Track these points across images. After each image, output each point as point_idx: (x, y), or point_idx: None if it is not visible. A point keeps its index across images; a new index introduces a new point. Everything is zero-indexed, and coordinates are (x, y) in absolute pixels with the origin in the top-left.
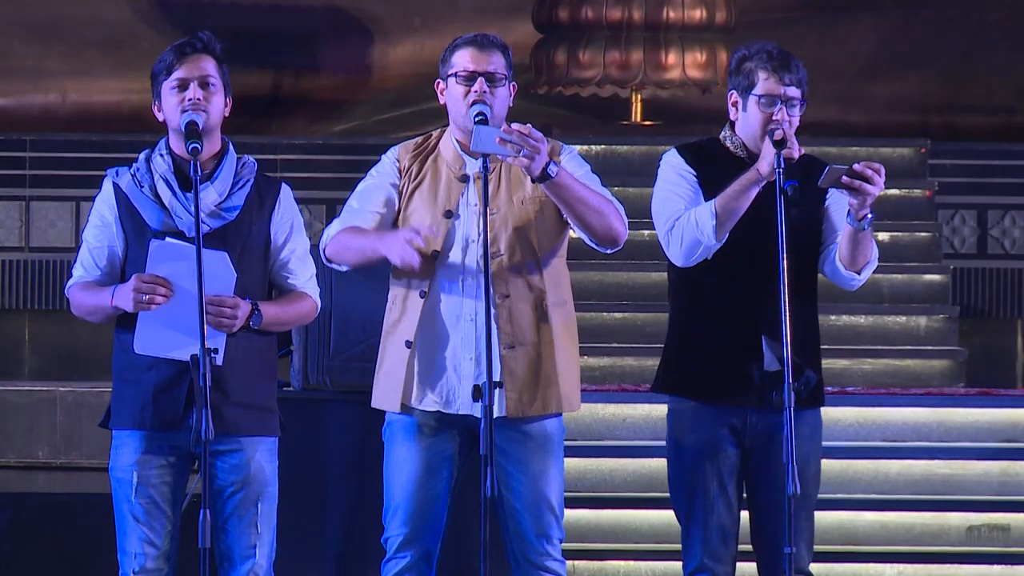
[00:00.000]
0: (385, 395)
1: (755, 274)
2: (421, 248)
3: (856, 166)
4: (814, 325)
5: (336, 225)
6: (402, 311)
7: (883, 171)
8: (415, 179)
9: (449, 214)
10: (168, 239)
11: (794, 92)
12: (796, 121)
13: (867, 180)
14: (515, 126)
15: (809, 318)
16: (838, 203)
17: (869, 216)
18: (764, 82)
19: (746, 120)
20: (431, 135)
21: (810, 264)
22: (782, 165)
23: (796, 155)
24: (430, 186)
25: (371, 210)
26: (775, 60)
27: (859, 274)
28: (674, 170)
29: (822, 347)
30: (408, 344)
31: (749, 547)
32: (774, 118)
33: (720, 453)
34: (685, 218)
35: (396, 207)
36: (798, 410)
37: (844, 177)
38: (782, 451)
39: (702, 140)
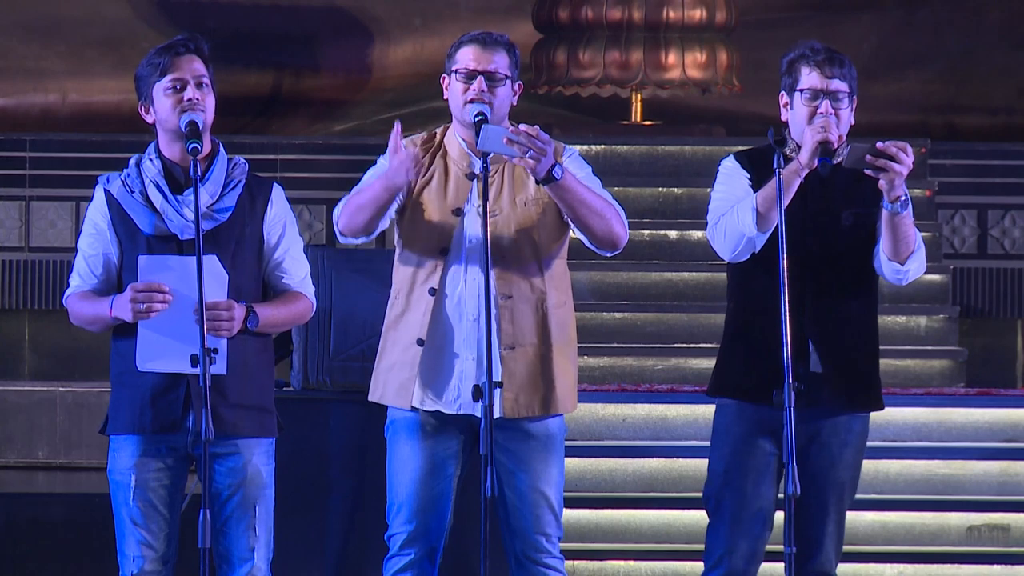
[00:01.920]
0: (391, 391)
1: (804, 276)
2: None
3: (879, 144)
4: (871, 329)
5: (343, 201)
6: (406, 306)
7: (909, 149)
8: (424, 175)
9: (458, 212)
10: (154, 255)
11: (838, 85)
12: (845, 115)
13: (892, 158)
14: (523, 127)
15: (864, 321)
16: None
17: (903, 198)
18: (807, 77)
19: (794, 117)
20: (435, 132)
21: (866, 267)
22: (782, 165)
23: (834, 139)
24: (439, 183)
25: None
26: (818, 55)
27: (903, 265)
28: (729, 174)
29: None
30: (420, 342)
31: (773, 547)
32: (819, 112)
33: (757, 451)
34: (730, 213)
35: (405, 191)
36: (849, 413)
37: (868, 156)
38: (823, 452)
39: (759, 146)
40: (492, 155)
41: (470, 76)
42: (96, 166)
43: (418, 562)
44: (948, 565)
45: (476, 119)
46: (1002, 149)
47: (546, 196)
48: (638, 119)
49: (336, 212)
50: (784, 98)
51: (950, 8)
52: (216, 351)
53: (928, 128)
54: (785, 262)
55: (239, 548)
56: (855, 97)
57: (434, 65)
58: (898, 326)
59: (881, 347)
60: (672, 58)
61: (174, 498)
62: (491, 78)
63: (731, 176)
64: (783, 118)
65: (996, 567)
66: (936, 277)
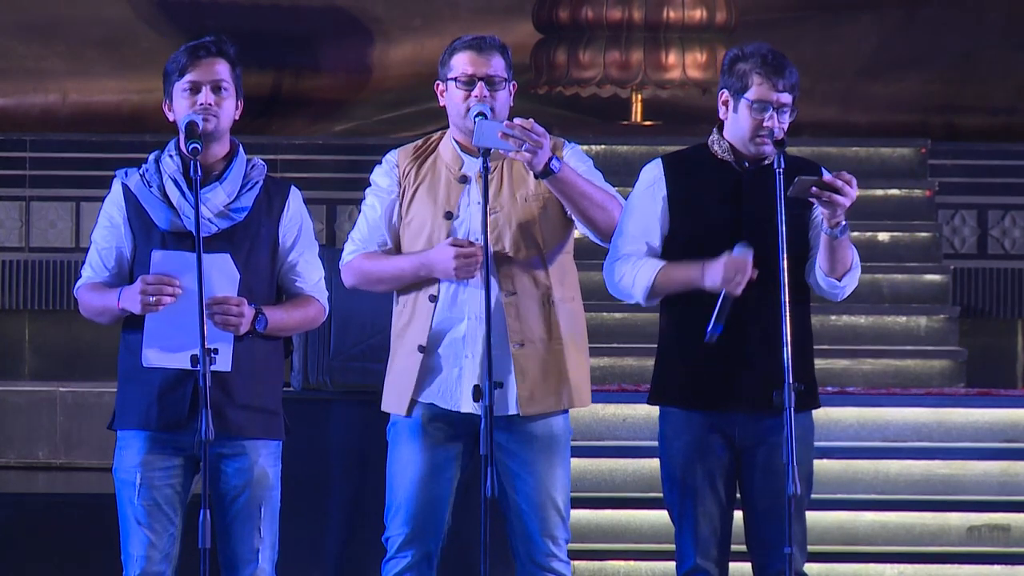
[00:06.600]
0: (393, 399)
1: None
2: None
3: (827, 177)
4: (806, 327)
5: (350, 249)
6: (412, 315)
7: (854, 182)
8: (415, 182)
9: (449, 215)
10: (168, 250)
11: (786, 99)
12: (786, 127)
13: (837, 191)
14: (518, 120)
15: (800, 320)
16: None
17: (843, 223)
18: (758, 87)
19: (736, 122)
20: (431, 137)
21: (797, 267)
22: (783, 165)
23: (738, 292)
24: (429, 188)
25: (380, 236)
26: (769, 65)
27: (840, 281)
28: (648, 187)
29: (824, 347)
30: (421, 349)
31: (742, 547)
32: (764, 124)
33: (710, 453)
34: (629, 266)
35: (399, 223)
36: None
37: (814, 188)
38: (774, 453)
39: (688, 149)
40: (492, 153)
41: (470, 82)
42: (96, 166)
43: (416, 564)
44: (948, 565)
45: (476, 119)
46: (1002, 149)
47: (546, 191)
48: (638, 119)
49: (345, 258)
50: (725, 96)
51: (950, 8)
52: (216, 351)
53: (928, 128)
54: (785, 263)
55: (243, 550)
56: (796, 109)
57: (434, 65)
58: (898, 326)
59: (881, 347)
60: (672, 58)
61: (180, 498)
62: (491, 82)
63: (645, 198)
64: (721, 115)
65: (996, 567)
66: (936, 277)
